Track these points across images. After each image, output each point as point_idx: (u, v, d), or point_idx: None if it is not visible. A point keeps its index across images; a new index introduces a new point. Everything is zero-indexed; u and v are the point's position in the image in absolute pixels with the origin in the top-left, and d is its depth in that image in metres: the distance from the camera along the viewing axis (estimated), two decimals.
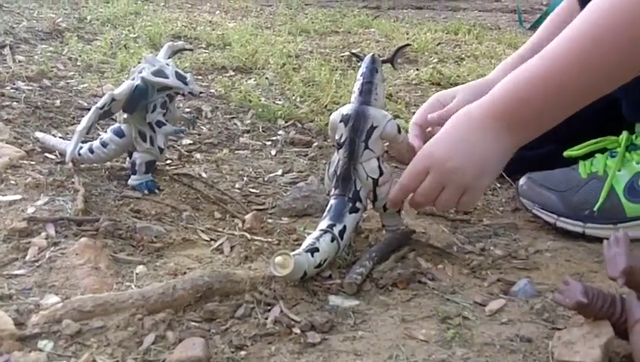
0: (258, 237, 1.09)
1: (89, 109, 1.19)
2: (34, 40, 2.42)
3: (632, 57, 0.91)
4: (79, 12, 3.04)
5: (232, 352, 0.77)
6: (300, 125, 1.75)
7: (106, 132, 1.29)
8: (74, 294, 0.85)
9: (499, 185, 1.39)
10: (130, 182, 1.24)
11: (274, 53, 2.48)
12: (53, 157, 1.33)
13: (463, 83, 1.60)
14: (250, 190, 1.32)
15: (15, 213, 1.05)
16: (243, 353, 0.77)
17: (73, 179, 1.20)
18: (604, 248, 0.78)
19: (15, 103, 1.63)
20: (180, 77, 1.22)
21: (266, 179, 1.38)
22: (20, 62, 2.07)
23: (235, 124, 1.73)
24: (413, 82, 2.29)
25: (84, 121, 1.16)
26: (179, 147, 1.51)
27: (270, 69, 2.27)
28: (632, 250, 0.76)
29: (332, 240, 0.96)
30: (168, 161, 1.41)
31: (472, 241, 1.11)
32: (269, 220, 1.17)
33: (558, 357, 0.72)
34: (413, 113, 1.38)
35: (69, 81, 1.95)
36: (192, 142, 1.56)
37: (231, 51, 2.47)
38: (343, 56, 2.56)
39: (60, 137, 1.42)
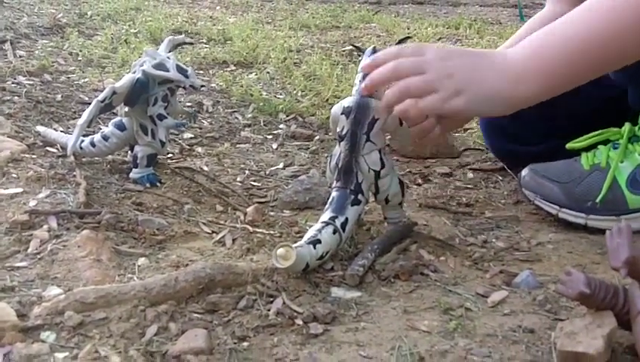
0: (260, 230, 1.09)
1: (90, 103, 1.19)
2: (35, 35, 2.42)
3: None
4: (80, 7, 3.03)
5: (235, 343, 0.76)
6: (301, 119, 1.75)
7: (107, 125, 1.29)
8: (76, 286, 0.85)
9: (500, 177, 1.39)
10: (131, 175, 1.24)
11: (275, 47, 2.47)
12: (54, 150, 1.33)
13: None
14: (252, 183, 1.32)
15: (17, 206, 1.05)
16: (245, 344, 0.77)
17: (75, 173, 1.20)
18: (607, 239, 0.77)
19: (16, 98, 1.63)
20: (180, 70, 1.22)
21: (267, 172, 1.38)
22: (20, 57, 2.08)
23: (236, 117, 1.73)
24: None
25: (86, 115, 1.16)
26: (180, 141, 1.51)
27: (271, 64, 2.27)
28: (635, 241, 0.76)
29: (334, 233, 0.95)
30: (170, 155, 1.41)
31: (474, 233, 1.11)
32: (271, 213, 1.17)
33: (560, 348, 0.72)
34: None
35: (69, 75, 1.95)
36: (193, 135, 1.56)
37: (232, 46, 2.47)
38: (344, 51, 2.56)
39: (62, 131, 1.42)
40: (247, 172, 1.37)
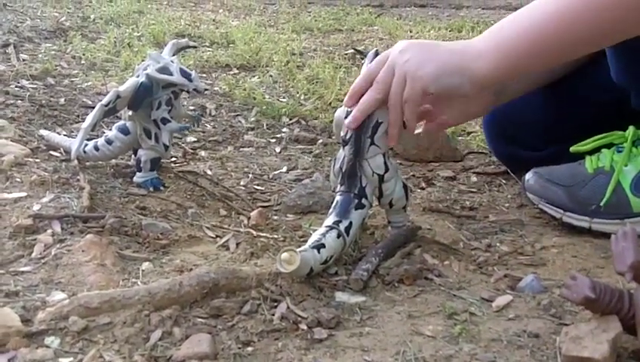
0: (264, 234, 1.08)
1: (93, 107, 1.19)
2: (38, 39, 2.43)
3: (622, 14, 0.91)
4: (83, 11, 3.04)
5: (239, 348, 0.76)
6: (304, 122, 1.75)
7: (111, 129, 1.29)
8: (80, 291, 0.85)
9: (504, 181, 1.39)
10: (135, 179, 1.24)
11: (277, 51, 2.48)
12: (58, 154, 1.33)
13: None
14: (255, 187, 1.31)
15: (20, 211, 1.05)
16: (250, 349, 0.77)
17: (78, 177, 1.20)
18: (612, 243, 0.77)
19: (20, 101, 1.63)
20: (184, 74, 1.22)
21: (270, 176, 1.38)
22: (24, 60, 2.08)
23: (239, 121, 1.74)
24: None
25: (89, 119, 1.16)
26: (184, 144, 1.51)
27: (274, 67, 2.27)
28: None
29: (338, 237, 0.95)
30: (173, 159, 1.41)
31: (478, 238, 1.11)
32: (275, 217, 1.17)
33: (565, 353, 0.72)
34: None
35: (73, 79, 1.95)
36: (196, 139, 1.56)
37: (235, 49, 2.47)
38: (346, 54, 2.56)
39: (65, 135, 1.42)
40: (250, 176, 1.37)
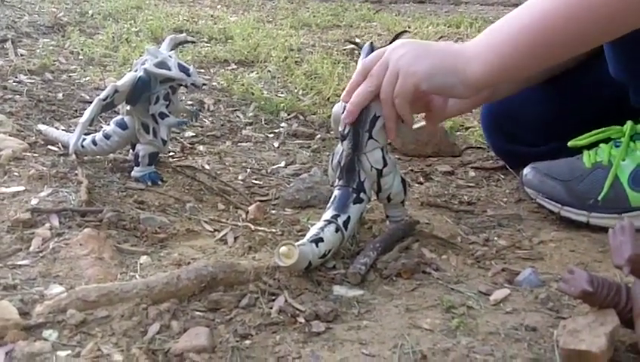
0: (262, 228, 1.08)
1: (91, 102, 1.19)
2: (36, 34, 2.42)
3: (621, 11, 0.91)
4: (81, 6, 3.03)
5: (237, 341, 0.76)
6: (302, 117, 1.75)
7: (108, 124, 1.29)
8: (78, 284, 0.85)
9: (502, 176, 1.39)
10: (133, 173, 1.24)
11: (276, 46, 2.47)
12: (56, 149, 1.33)
13: None
14: (254, 181, 1.32)
15: (19, 205, 1.05)
16: (248, 342, 0.77)
17: (76, 171, 1.20)
18: (610, 236, 0.77)
19: (18, 96, 1.63)
20: (182, 68, 1.22)
21: (269, 170, 1.38)
22: (22, 55, 2.08)
23: (237, 116, 1.73)
24: None
25: (87, 113, 1.16)
26: (182, 139, 1.51)
27: (272, 62, 2.27)
28: (638, 239, 0.76)
29: (336, 231, 0.95)
30: (171, 153, 1.41)
31: (475, 232, 1.11)
32: (273, 211, 1.17)
33: (563, 346, 0.72)
34: None
35: (71, 74, 1.95)
36: (194, 134, 1.56)
37: (233, 45, 2.47)
38: (344, 50, 2.55)
39: (63, 130, 1.42)
40: (248, 170, 1.37)
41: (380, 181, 1.03)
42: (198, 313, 0.81)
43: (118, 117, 1.27)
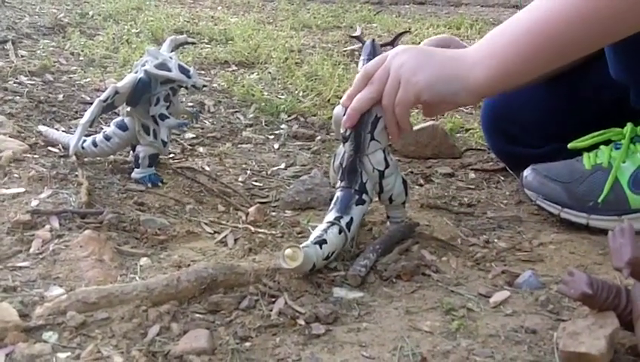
0: (262, 230, 1.08)
1: (92, 103, 1.18)
2: (36, 35, 2.42)
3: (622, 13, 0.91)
4: (81, 7, 3.04)
5: (237, 343, 0.76)
6: (302, 119, 1.75)
7: (109, 125, 1.29)
8: (78, 286, 0.85)
9: (502, 178, 1.39)
10: (133, 175, 1.24)
11: (276, 48, 2.47)
12: (56, 150, 1.33)
13: None
14: (254, 183, 1.31)
15: (19, 206, 1.05)
16: (248, 344, 0.77)
17: (77, 173, 1.20)
18: (610, 239, 0.77)
19: (18, 97, 1.63)
20: (183, 70, 1.22)
21: (269, 172, 1.38)
22: (22, 57, 2.08)
23: (237, 118, 1.73)
24: None
25: (88, 115, 1.16)
26: (182, 141, 1.51)
27: (272, 64, 2.27)
28: (638, 241, 0.76)
29: (339, 232, 0.96)
30: (171, 155, 1.40)
31: (475, 234, 1.11)
32: (273, 213, 1.17)
33: (563, 348, 0.72)
34: None
35: (71, 75, 1.95)
36: (195, 135, 1.56)
37: (233, 46, 2.47)
38: (345, 51, 2.55)
39: (63, 131, 1.42)
40: (248, 172, 1.37)
41: (382, 182, 1.03)
42: (198, 315, 0.81)
43: (119, 118, 1.27)
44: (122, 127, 1.25)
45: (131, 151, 1.29)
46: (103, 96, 1.17)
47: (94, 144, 1.26)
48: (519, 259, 1.02)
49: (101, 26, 2.69)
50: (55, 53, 2.19)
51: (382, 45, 1.09)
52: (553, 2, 0.93)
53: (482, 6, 4.44)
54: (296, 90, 1.99)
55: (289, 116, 1.76)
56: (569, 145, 1.16)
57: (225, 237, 1.07)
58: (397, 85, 0.98)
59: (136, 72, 1.21)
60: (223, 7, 3.61)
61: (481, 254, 1.02)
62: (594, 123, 1.18)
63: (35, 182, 1.15)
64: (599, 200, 1.11)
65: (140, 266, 0.94)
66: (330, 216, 0.98)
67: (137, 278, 0.90)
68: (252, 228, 1.09)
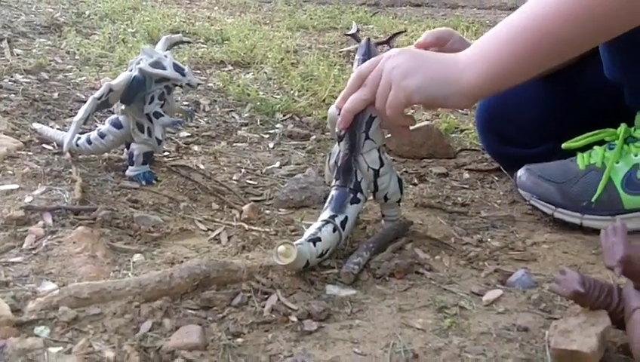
0: (255, 228, 1.08)
1: (87, 101, 1.19)
2: (32, 34, 2.42)
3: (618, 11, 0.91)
4: (77, 7, 3.03)
5: (229, 339, 0.76)
6: (297, 118, 1.75)
7: (103, 123, 1.29)
8: (71, 281, 0.85)
9: (496, 178, 1.40)
10: (127, 173, 1.24)
11: (272, 48, 2.48)
12: (50, 148, 1.33)
13: None
14: (248, 181, 1.32)
15: (12, 202, 1.05)
16: (240, 340, 0.77)
17: (70, 170, 1.20)
18: (602, 238, 0.77)
19: (13, 95, 1.63)
20: (177, 68, 1.22)
21: (263, 171, 1.38)
22: (18, 55, 2.08)
23: (233, 117, 1.73)
24: None
25: (82, 112, 1.16)
26: (177, 139, 1.51)
27: (268, 64, 2.27)
28: (630, 240, 0.76)
29: (334, 231, 0.96)
30: (166, 153, 1.41)
31: (469, 233, 1.11)
32: (267, 211, 1.17)
33: (554, 346, 0.72)
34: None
35: (67, 74, 1.95)
36: (189, 134, 1.56)
37: (229, 46, 2.47)
38: (341, 52, 2.55)
39: (58, 129, 1.42)
40: (243, 170, 1.37)
41: (377, 181, 1.03)
42: (190, 311, 0.81)
43: (113, 116, 1.27)
44: (117, 124, 1.25)
45: (125, 149, 1.29)
46: (98, 93, 1.17)
47: (89, 141, 1.26)
48: (512, 258, 1.02)
49: (97, 26, 2.68)
50: (51, 51, 2.19)
51: (377, 44, 1.09)
52: (546, 3, 0.93)
53: (478, 8, 4.44)
54: (292, 90, 1.99)
55: (284, 116, 1.76)
56: (563, 146, 1.17)
57: (218, 234, 1.07)
58: (389, 88, 0.98)
59: (130, 70, 1.21)
60: (219, 7, 3.61)
61: (475, 253, 1.02)
62: (590, 122, 1.19)
63: (28, 178, 1.15)
64: (593, 200, 1.11)
65: (133, 263, 0.94)
66: (325, 214, 0.99)
67: (130, 274, 0.90)
68: (246, 226, 1.09)
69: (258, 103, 1.81)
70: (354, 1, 4.28)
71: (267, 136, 1.62)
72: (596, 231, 1.06)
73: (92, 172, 1.24)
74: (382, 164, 1.03)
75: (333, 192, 1.02)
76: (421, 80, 0.97)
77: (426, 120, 1.68)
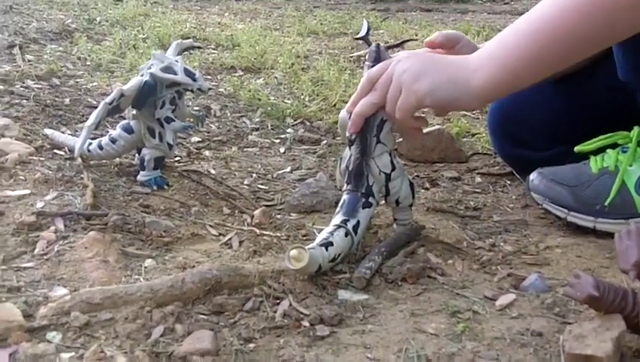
0: (267, 233, 1.08)
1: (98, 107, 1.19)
2: (43, 40, 2.43)
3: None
4: (89, 13, 3.05)
5: (241, 345, 0.76)
6: (308, 123, 1.75)
7: (115, 128, 1.29)
8: (82, 287, 0.85)
9: (509, 182, 1.39)
10: (139, 178, 1.24)
11: (283, 53, 2.48)
12: (62, 153, 1.33)
13: None
14: (259, 186, 1.31)
15: (24, 208, 1.05)
16: (252, 345, 0.76)
17: (82, 175, 1.20)
18: (616, 241, 0.77)
19: (24, 101, 1.64)
20: (188, 73, 1.22)
21: (274, 175, 1.38)
22: (29, 61, 2.08)
23: (244, 122, 1.74)
24: None
25: (93, 117, 1.16)
26: (188, 144, 1.51)
27: (279, 69, 2.27)
28: None
29: (346, 235, 0.95)
30: (177, 158, 1.41)
31: (481, 237, 1.11)
32: (278, 216, 1.17)
33: (569, 351, 0.72)
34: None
35: (78, 80, 1.95)
36: (201, 139, 1.56)
37: (240, 52, 2.48)
38: (351, 57, 2.55)
39: (70, 134, 1.42)
40: (254, 175, 1.37)
41: (389, 185, 1.03)
42: (202, 316, 0.81)
43: (125, 121, 1.28)
44: (128, 129, 1.26)
45: (137, 154, 1.29)
46: (109, 98, 1.17)
47: (100, 147, 1.26)
48: (525, 262, 1.02)
49: (108, 32, 2.69)
50: (62, 58, 2.20)
51: (388, 47, 1.09)
52: (555, 5, 0.93)
53: (489, 13, 4.44)
54: (302, 94, 1.99)
55: (295, 120, 1.76)
56: (575, 149, 1.16)
57: (230, 239, 1.06)
58: (399, 92, 0.98)
59: (142, 75, 1.21)
60: (229, 13, 3.63)
61: (487, 257, 1.02)
62: (605, 125, 1.18)
63: (40, 184, 1.15)
64: (606, 204, 1.10)
65: (145, 268, 0.94)
66: (337, 219, 0.98)
67: (142, 279, 0.90)
68: (257, 231, 1.09)
69: (269, 108, 1.81)
70: (364, 6, 4.29)
71: (278, 140, 1.62)
72: (610, 235, 1.05)
73: (103, 177, 1.24)
74: (393, 168, 1.02)
75: (344, 197, 1.02)
76: (432, 82, 0.96)
77: (437, 124, 1.67)
